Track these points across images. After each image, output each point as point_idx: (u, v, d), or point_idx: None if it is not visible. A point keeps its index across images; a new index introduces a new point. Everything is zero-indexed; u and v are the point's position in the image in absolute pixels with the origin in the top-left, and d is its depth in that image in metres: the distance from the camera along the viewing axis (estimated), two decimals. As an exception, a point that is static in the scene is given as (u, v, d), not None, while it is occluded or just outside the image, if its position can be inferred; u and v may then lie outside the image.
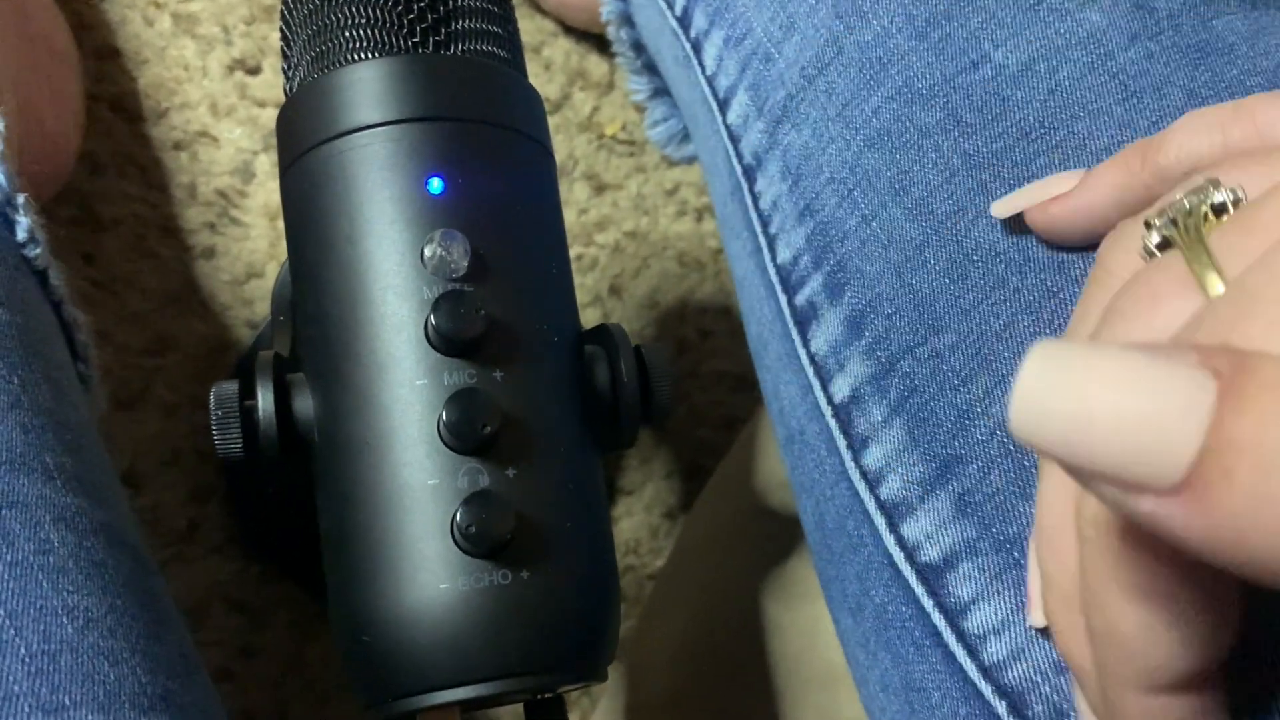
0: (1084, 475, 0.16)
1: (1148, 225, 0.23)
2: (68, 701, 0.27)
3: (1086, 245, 0.29)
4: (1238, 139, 0.24)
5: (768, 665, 0.46)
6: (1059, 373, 0.15)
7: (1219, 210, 0.21)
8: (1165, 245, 0.22)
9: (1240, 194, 0.21)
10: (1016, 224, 0.30)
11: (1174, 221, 0.21)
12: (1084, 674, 0.23)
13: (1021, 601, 0.27)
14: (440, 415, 0.29)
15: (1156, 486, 0.15)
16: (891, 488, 0.31)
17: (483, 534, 0.28)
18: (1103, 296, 0.23)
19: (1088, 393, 0.15)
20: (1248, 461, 0.15)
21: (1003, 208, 0.30)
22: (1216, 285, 0.20)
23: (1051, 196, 0.28)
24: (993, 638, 0.28)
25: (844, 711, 0.43)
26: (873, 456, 0.31)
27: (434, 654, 0.29)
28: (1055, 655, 0.26)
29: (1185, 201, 0.22)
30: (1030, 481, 0.28)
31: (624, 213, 0.65)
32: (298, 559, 0.55)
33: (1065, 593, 0.22)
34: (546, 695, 0.32)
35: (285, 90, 0.36)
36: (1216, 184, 0.22)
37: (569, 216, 0.63)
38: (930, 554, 0.29)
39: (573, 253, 0.63)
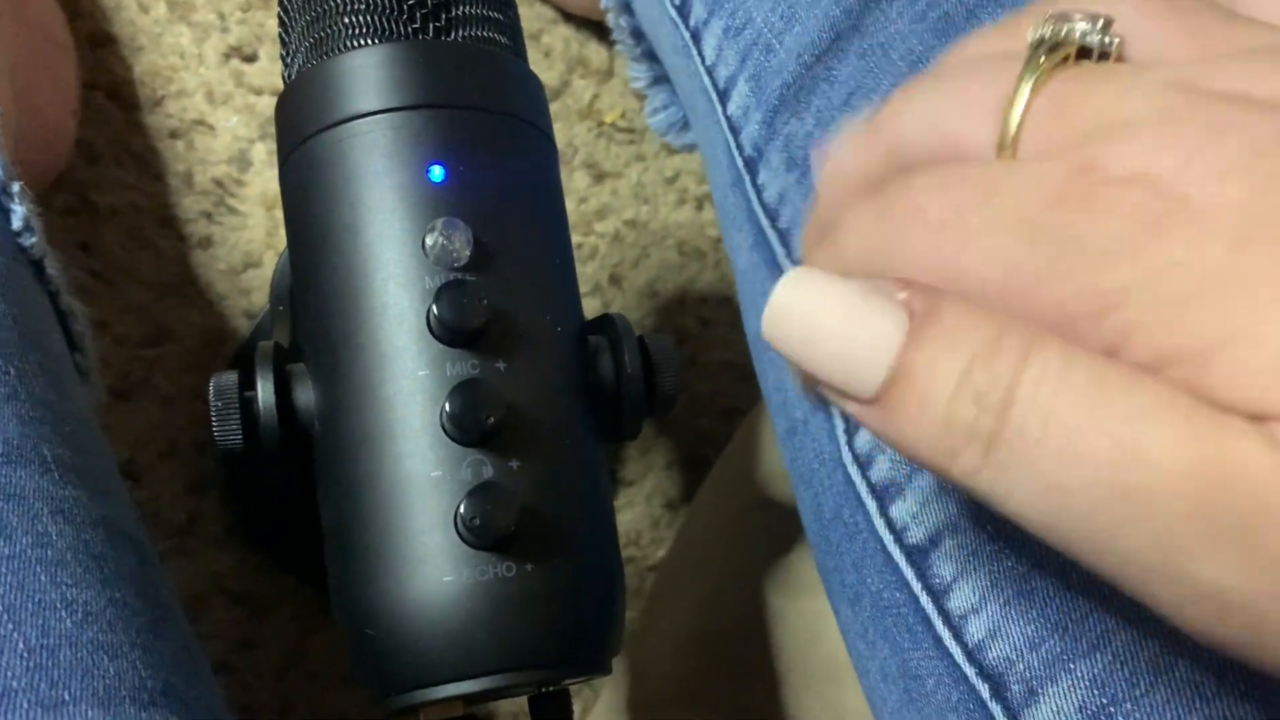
0: (809, 379, 0.20)
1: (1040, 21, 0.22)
2: (67, 697, 0.26)
3: None
4: None
5: (772, 657, 0.46)
6: (799, 296, 0.20)
7: (1085, 52, 0.21)
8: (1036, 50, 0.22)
9: (1112, 48, 0.21)
10: None
11: (1044, 38, 0.22)
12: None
13: (996, 577, 0.27)
14: (443, 406, 0.29)
15: (856, 398, 0.19)
16: (881, 469, 0.31)
17: (487, 526, 0.28)
18: (980, 47, 0.24)
19: (814, 317, 0.20)
20: (916, 391, 0.19)
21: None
22: (1007, 132, 0.21)
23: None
24: (973, 617, 0.28)
25: (849, 704, 0.43)
26: (864, 437, 0.31)
27: (438, 647, 0.29)
28: (1029, 631, 0.26)
29: (1069, 26, 0.21)
30: None
31: (624, 201, 0.64)
32: (298, 550, 0.54)
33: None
34: (551, 688, 0.32)
35: (284, 77, 0.35)
36: (1107, 25, 0.21)
37: (569, 205, 0.62)
38: (917, 534, 0.29)
39: (573, 241, 0.62)
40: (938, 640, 0.29)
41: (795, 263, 0.36)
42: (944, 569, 0.28)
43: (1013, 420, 0.18)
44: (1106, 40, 0.22)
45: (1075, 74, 0.21)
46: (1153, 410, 0.17)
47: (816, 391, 0.21)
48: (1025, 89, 0.21)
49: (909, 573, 0.29)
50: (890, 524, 0.30)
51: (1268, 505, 0.16)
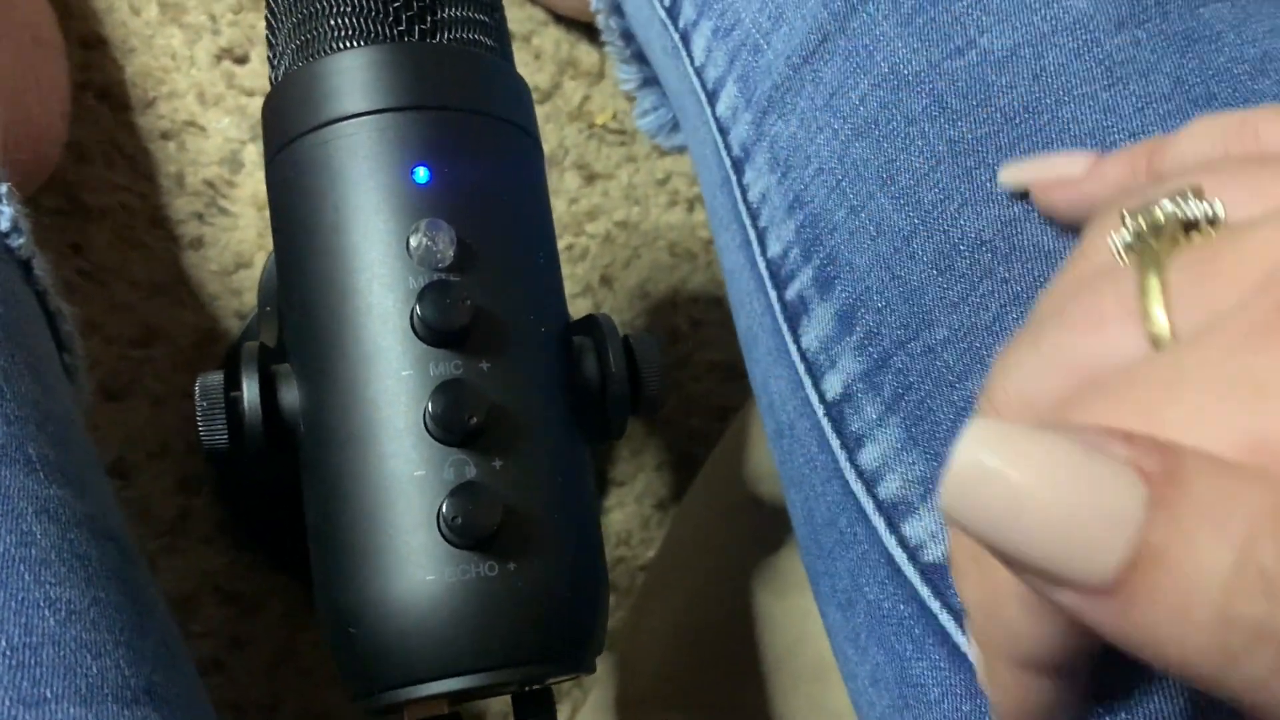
0: (1011, 563, 0.16)
1: (1122, 218, 0.22)
2: (49, 695, 0.26)
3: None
4: (1237, 150, 0.23)
5: (759, 656, 0.46)
6: (992, 458, 0.15)
7: (1191, 225, 0.20)
8: (1131, 250, 0.21)
9: (1218, 211, 0.20)
10: (1003, 212, 0.30)
11: (1142, 229, 0.21)
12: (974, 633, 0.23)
13: None
14: (426, 406, 0.29)
15: (1081, 587, 0.15)
16: (890, 487, 0.30)
17: (469, 526, 0.28)
18: (1071, 275, 0.23)
19: (1019, 484, 0.15)
20: (1173, 580, 0.15)
21: (1010, 176, 0.29)
22: (1159, 323, 0.19)
23: (1058, 178, 0.28)
24: None
25: (835, 702, 0.43)
26: (869, 456, 0.31)
27: (420, 646, 0.29)
28: None
29: (1158, 209, 0.20)
30: None
31: (615, 202, 0.65)
32: (288, 548, 0.55)
33: (971, 550, 0.22)
34: (534, 687, 0.32)
35: (270, 79, 0.35)
36: (1198, 192, 0.20)
37: (559, 206, 0.62)
38: (934, 553, 0.29)
39: (563, 243, 0.62)
40: (955, 652, 0.28)
41: (768, 261, 0.36)
42: None
43: None
44: (1207, 208, 0.20)
45: (1195, 246, 0.19)
46: None
47: (1027, 578, 0.16)
48: (1153, 275, 0.19)
49: (924, 591, 0.29)
50: (902, 541, 0.30)
51: None
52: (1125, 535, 0.15)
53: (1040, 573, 0.16)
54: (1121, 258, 0.21)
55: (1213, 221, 0.20)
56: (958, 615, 0.28)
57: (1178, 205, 0.20)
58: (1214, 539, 0.15)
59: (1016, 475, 0.15)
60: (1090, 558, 0.15)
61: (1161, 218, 0.20)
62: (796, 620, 0.46)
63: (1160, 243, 0.20)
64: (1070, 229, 0.29)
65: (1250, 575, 0.14)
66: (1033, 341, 0.21)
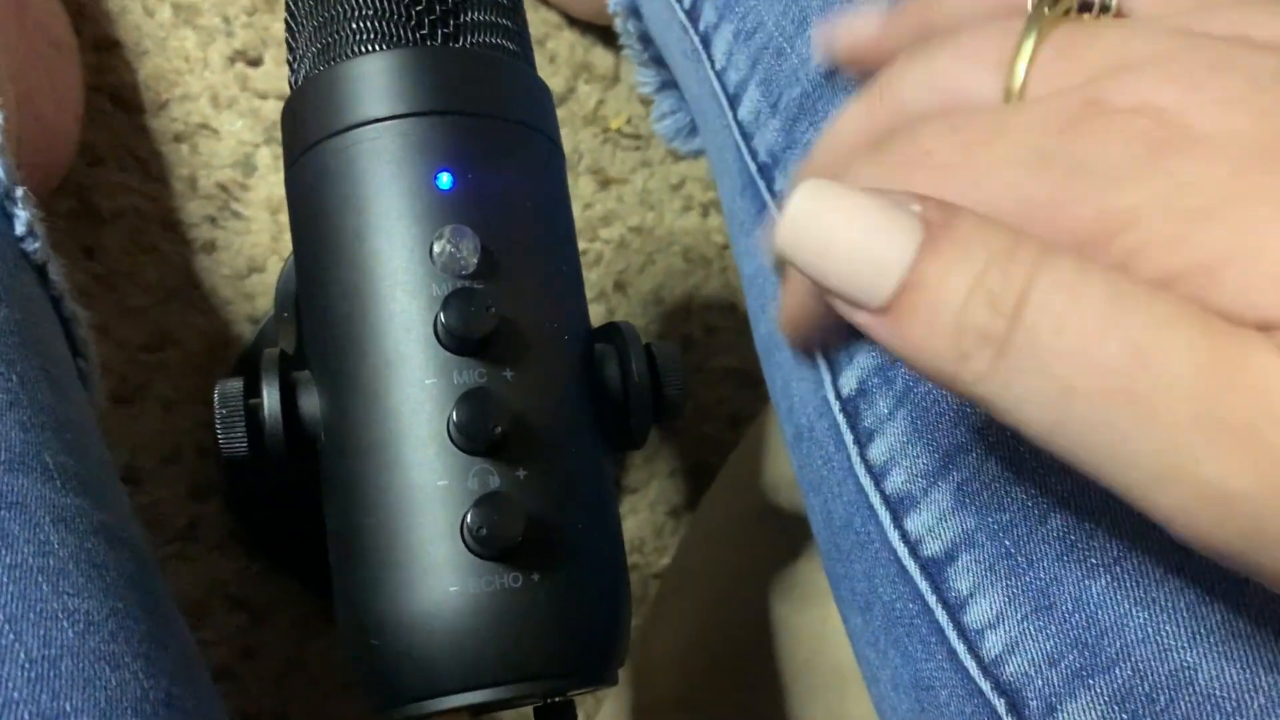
0: (821, 289, 0.20)
1: None
2: (69, 708, 0.26)
3: None
4: None
5: (776, 665, 0.46)
6: (813, 206, 0.20)
7: (1087, 6, 0.23)
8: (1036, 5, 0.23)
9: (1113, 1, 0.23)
10: None
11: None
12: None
13: (1013, 592, 0.27)
14: (450, 415, 0.29)
15: (868, 306, 0.20)
16: (896, 481, 0.30)
17: (494, 536, 0.28)
18: (981, 8, 0.25)
19: (830, 227, 0.20)
20: (926, 297, 0.19)
21: (821, 42, 0.32)
22: (1016, 80, 0.22)
23: (852, 42, 0.31)
24: (989, 632, 0.27)
25: (854, 712, 0.43)
26: (878, 450, 0.31)
27: (444, 658, 0.29)
28: (1048, 647, 0.26)
29: None
30: (1023, 465, 0.28)
31: (629, 208, 0.64)
32: (299, 556, 0.54)
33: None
34: (556, 699, 0.32)
35: (290, 83, 0.35)
36: None
37: (574, 211, 0.62)
38: (933, 548, 0.29)
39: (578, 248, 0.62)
40: (952, 653, 0.28)
41: None
42: (960, 583, 0.28)
43: (1025, 322, 0.18)
44: None
45: (1078, 25, 0.22)
46: (1165, 318, 0.18)
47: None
48: (1030, 40, 0.22)
49: (923, 585, 0.29)
50: (905, 536, 0.30)
51: (1274, 407, 0.17)
52: (901, 265, 0.19)
53: (841, 296, 0.20)
54: (1028, 8, 0.23)
55: (1106, 9, 0.23)
56: (951, 610, 0.29)
57: None
58: (959, 267, 0.19)
59: (828, 218, 0.20)
60: (875, 283, 0.19)
61: None
62: (814, 629, 0.45)
63: (1053, 12, 0.22)
64: None
65: (980, 294, 0.18)
66: (925, 53, 0.24)
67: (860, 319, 0.20)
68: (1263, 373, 0.17)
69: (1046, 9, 0.22)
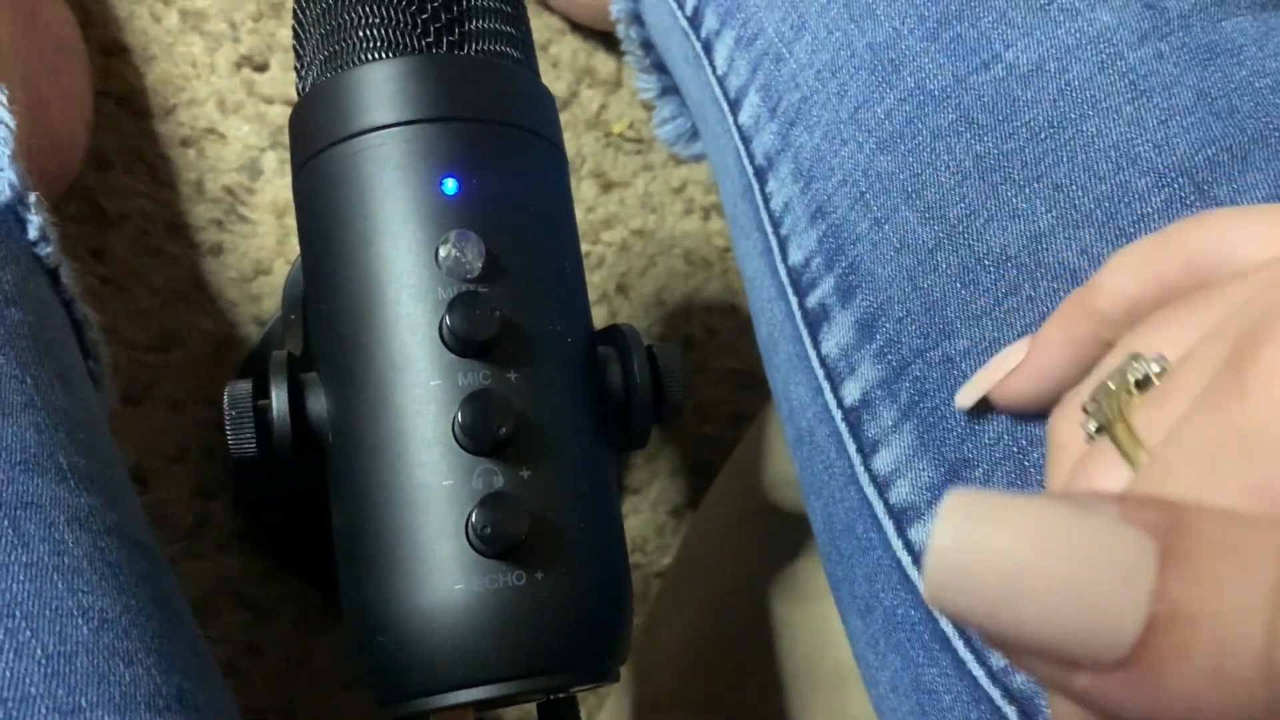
0: (1012, 649, 0.14)
1: (1085, 411, 0.23)
2: (84, 703, 0.27)
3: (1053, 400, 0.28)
4: (1170, 274, 0.24)
5: (776, 664, 0.46)
6: (980, 532, 0.14)
7: (1143, 384, 0.21)
8: (1101, 429, 0.22)
9: (1160, 364, 0.21)
10: (1029, 228, 0.30)
11: (1101, 407, 0.22)
12: None
13: None
14: (455, 416, 0.29)
15: (1097, 663, 0.14)
16: (901, 492, 0.31)
17: (498, 535, 0.28)
18: (1058, 473, 0.24)
19: (1012, 554, 0.14)
20: (1203, 635, 0.13)
21: (967, 396, 0.29)
22: (1143, 457, 0.19)
23: (1006, 372, 0.28)
24: None
25: (854, 711, 0.43)
26: (883, 461, 0.31)
27: (448, 654, 0.29)
28: None
29: (1109, 384, 0.22)
30: (1030, 482, 0.28)
31: (631, 211, 0.65)
32: (304, 555, 0.55)
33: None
34: (559, 695, 0.32)
35: (297, 90, 0.35)
36: (1137, 358, 0.21)
37: (576, 215, 0.62)
38: None
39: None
40: (958, 661, 0.29)
41: (789, 269, 0.36)
42: None
43: None
44: (1145, 366, 0.22)
45: (1147, 397, 0.21)
46: None
47: (1030, 666, 0.15)
48: (1121, 427, 0.21)
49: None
50: (908, 545, 0.30)
51: None
52: (1141, 595, 0.13)
53: (1050, 654, 0.14)
54: (1093, 438, 0.22)
55: (1162, 373, 0.21)
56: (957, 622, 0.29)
57: (1124, 376, 0.21)
58: (1241, 582, 0.13)
59: (1009, 545, 0.14)
60: (1105, 626, 0.13)
61: (1112, 388, 0.21)
62: (815, 628, 0.46)
63: (1119, 408, 0.21)
64: (1094, 247, 0.30)
65: None
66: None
67: (1086, 684, 0.14)
68: None
69: (1108, 409, 0.21)
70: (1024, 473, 0.28)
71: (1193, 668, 0.13)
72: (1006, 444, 0.29)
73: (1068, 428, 0.24)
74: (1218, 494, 0.15)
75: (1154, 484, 0.16)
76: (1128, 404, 0.21)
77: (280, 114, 0.58)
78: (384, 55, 0.32)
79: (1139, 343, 0.22)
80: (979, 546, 0.14)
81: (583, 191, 0.64)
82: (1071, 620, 0.13)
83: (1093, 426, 0.22)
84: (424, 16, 0.33)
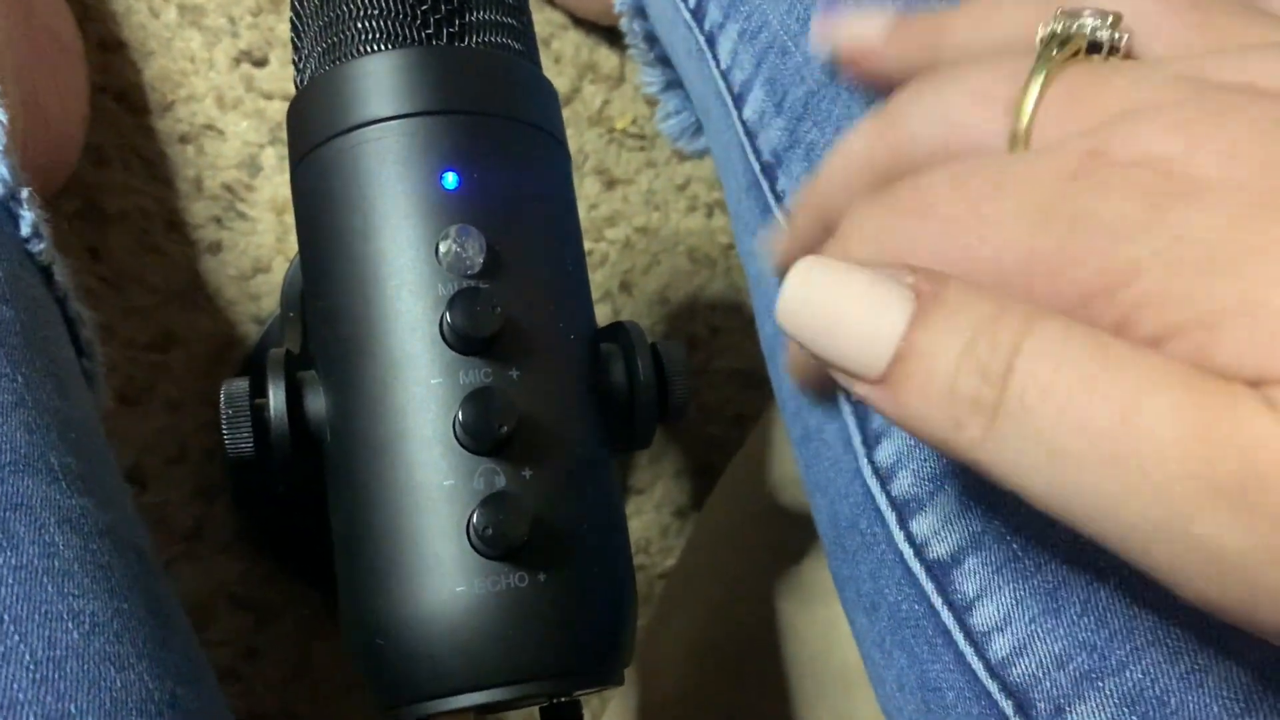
0: (821, 363, 0.21)
1: (1055, 14, 0.24)
2: (73, 709, 0.26)
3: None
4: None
5: (782, 666, 0.46)
6: (810, 284, 0.21)
7: (1096, 48, 0.23)
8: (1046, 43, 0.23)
9: (1120, 43, 0.23)
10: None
11: (1057, 32, 0.23)
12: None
13: (1021, 595, 0.27)
14: (456, 415, 0.29)
15: (865, 378, 0.20)
16: (903, 484, 0.30)
17: (499, 536, 0.28)
18: (990, 42, 0.25)
19: (824, 304, 0.20)
20: (921, 368, 0.19)
21: (821, 37, 0.31)
22: (1021, 125, 0.22)
23: (858, 44, 0.30)
24: (997, 634, 0.27)
25: (861, 713, 0.43)
26: (885, 453, 0.31)
27: (449, 658, 0.29)
28: (1056, 649, 0.26)
29: (1079, 21, 0.23)
30: None
31: (635, 208, 0.64)
32: (305, 557, 0.54)
33: None
34: (563, 699, 0.32)
35: (296, 83, 0.35)
36: (1117, 21, 0.23)
37: (579, 212, 0.62)
38: (938, 550, 0.29)
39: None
40: (959, 655, 0.28)
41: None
42: (967, 585, 0.28)
43: (1013, 389, 0.18)
44: (1115, 35, 0.23)
45: (1085, 68, 0.22)
46: (1152, 378, 0.18)
47: (813, 384, 0.23)
48: (1037, 82, 0.22)
49: (929, 587, 0.29)
50: (910, 538, 0.30)
51: (1267, 465, 0.17)
52: (894, 337, 0.20)
53: (840, 369, 0.21)
54: (1037, 47, 0.23)
55: (1114, 50, 0.23)
56: (957, 612, 0.28)
57: (1095, 24, 0.23)
58: (948, 337, 0.19)
59: (824, 296, 0.20)
60: (871, 355, 0.20)
61: (1074, 29, 0.23)
62: (820, 630, 0.45)
63: (1062, 53, 0.22)
64: None
65: (969, 362, 0.19)
66: (935, 85, 0.24)
67: (860, 390, 0.21)
68: (1252, 431, 0.17)
69: (1055, 49, 0.22)
70: None
71: (911, 387, 0.20)
72: None
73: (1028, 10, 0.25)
74: (1007, 243, 0.20)
75: (976, 199, 0.21)
76: (1070, 59, 0.22)
77: (279, 110, 0.57)
78: (383, 47, 0.32)
79: (1129, 8, 0.23)
80: (809, 291, 0.21)
81: (586, 188, 0.63)
82: (853, 349, 0.20)
83: (1044, 31, 0.23)
84: (423, 7, 0.32)
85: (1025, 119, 0.22)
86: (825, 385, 0.33)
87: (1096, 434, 0.18)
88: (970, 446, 0.19)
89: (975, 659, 0.28)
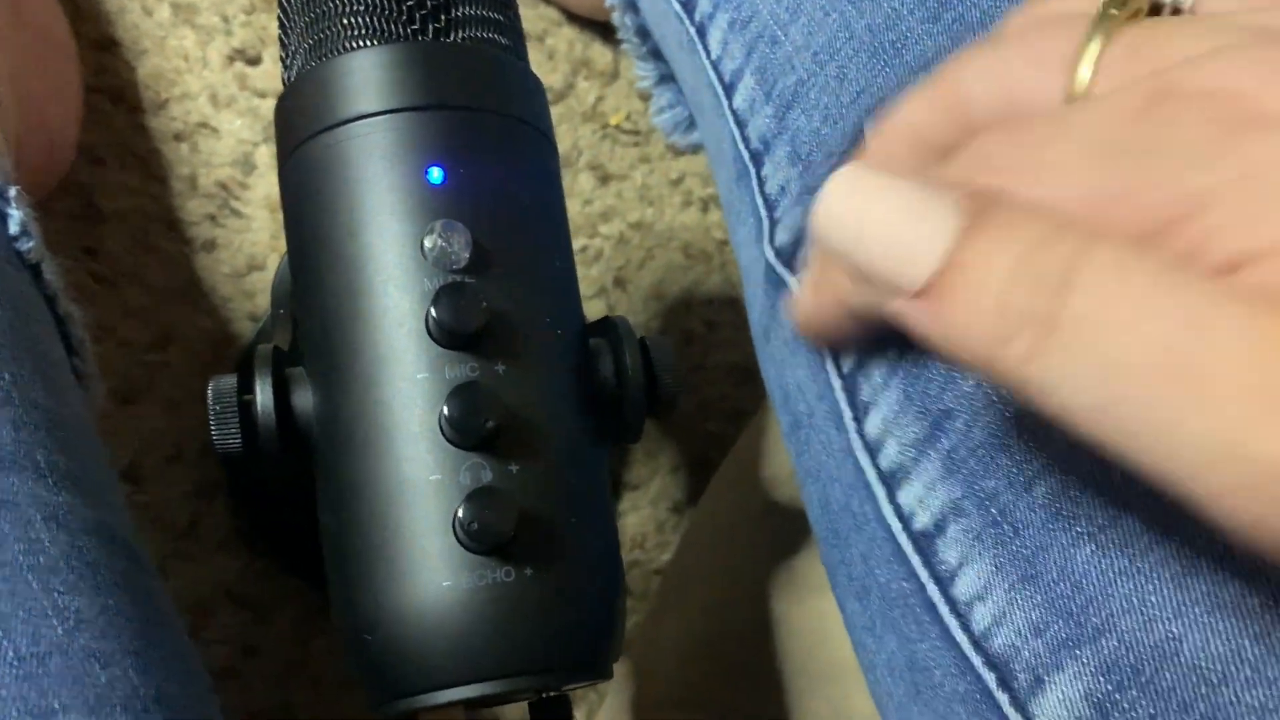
0: (856, 275, 0.20)
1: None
2: (57, 705, 0.26)
3: None
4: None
5: (777, 660, 0.46)
6: (852, 188, 0.20)
7: (1159, 8, 0.22)
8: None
9: (1186, 4, 0.22)
10: None
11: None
12: None
13: (1001, 561, 0.27)
14: (442, 410, 0.29)
15: (905, 290, 0.20)
16: (890, 454, 0.30)
17: (485, 531, 0.28)
18: (1048, 11, 0.25)
19: (867, 208, 0.20)
20: (970, 279, 0.19)
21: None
22: (1081, 82, 0.22)
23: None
24: (978, 604, 0.27)
25: (855, 705, 0.43)
26: (873, 423, 0.31)
27: (437, 653, 0.29)
28: (1033, 617, 0.26)
29: None
30: (1010, 433, 0.27)
31: (629, 204, 0.64)
32: (301, 554, 0.54)
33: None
34: (551, 693, 0.32)
35: (283, 79, 0.35)
36: None
37: (573, 208, 0.62)
38: (923, 519, 0.29)
39: (577, 244, 0.62)
40: (945, 630, 0.28)
41: (776, 250, 0.35)
42: (949, 554, 0.28)
43: (1073, 301, 0.18)
44: None
45: (1147, 25, 0.22)
46: (1218, 296, 0.17)
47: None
48: (1097, 40, 0.22)
49: (915, 560, 0.29)
50: (898, 510, 0.30)
51: None
52: (941, 246, 0.19)
53: (876, 279, 0.20)
54: (1098, 8, 0.23)
55: (1178, 10, 0.22)
56: (941, 584, 0.28)
57: None
58: (1002, 248, 0.19)
59: (867, 201, 0.20)
60: (914, 264, 0.19)
61: None
62: (814, 623, 0.45)
63: (1123, 12, 0.22)
64: None
65: (1025, 274, 0.18)
66: (992, 49, 0.24)
67: (896, 305, 0.20)
68: None
69: (1115, 9, 0.22)
70: (1005, 423, 0.28)
71: (958, 299, 0.19)
72: (985, 390, 0.28)
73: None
74: (1070, 181, 0.20)
75: (1038, 144, 0.21)
76: (1130, 19, 0.22)
77: (273, 108, 0.57)
78: (369, 43, 0.32)
79: None
80: (852, 194, 0.20)
81: (580, 184, 0.63)
82: (894, 256, 0.20)
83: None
84: (409, 3, 0.32)
85: (1085, 76, 0.22)
86: (826, 329, 0.32)
87: (1160, 345, 0.17)
88: (1017, 364, 0.18)
89: (960, 632, 0.28)
